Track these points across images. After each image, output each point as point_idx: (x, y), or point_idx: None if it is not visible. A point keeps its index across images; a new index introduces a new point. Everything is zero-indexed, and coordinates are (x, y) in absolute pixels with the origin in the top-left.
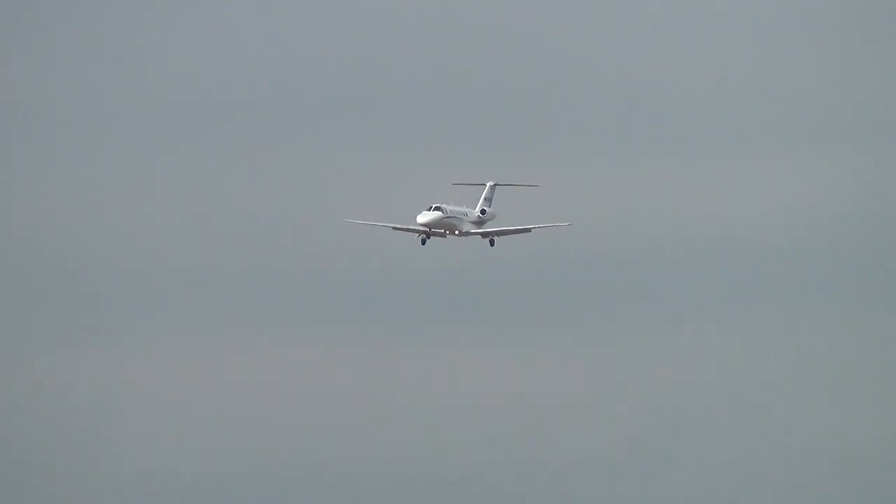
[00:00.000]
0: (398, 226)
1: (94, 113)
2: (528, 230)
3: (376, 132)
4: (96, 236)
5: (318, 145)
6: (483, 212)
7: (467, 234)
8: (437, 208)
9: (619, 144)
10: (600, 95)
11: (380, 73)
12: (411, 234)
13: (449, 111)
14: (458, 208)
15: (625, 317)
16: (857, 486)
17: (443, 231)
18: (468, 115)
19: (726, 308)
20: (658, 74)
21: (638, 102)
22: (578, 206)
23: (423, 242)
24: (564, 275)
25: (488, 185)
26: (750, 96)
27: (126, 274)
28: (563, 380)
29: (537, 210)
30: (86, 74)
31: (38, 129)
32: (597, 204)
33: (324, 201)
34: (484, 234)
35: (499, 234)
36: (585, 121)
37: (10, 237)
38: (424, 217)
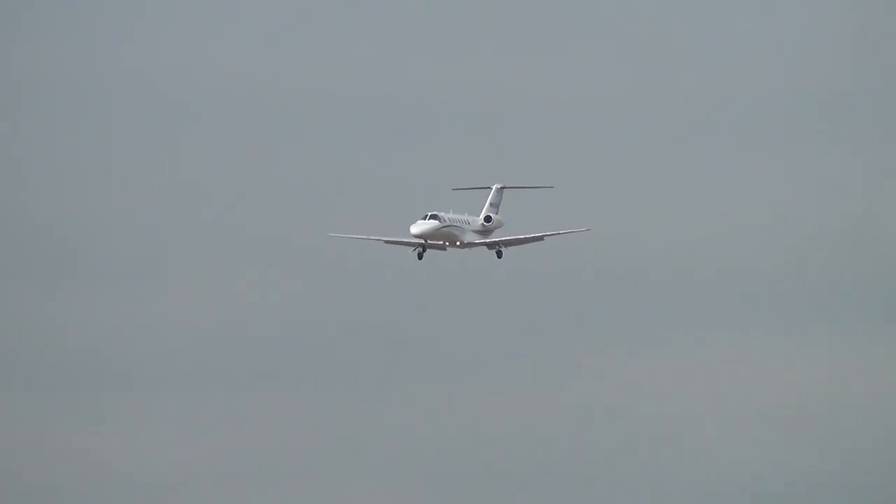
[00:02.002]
0: (390, 239)
1: (90, 113)
2: (541, 238)
3: (366, 133)
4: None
5: (306, 150)
6: (488, 219)
7: (470, 245)
8: (434, 216)
9: (641, 140)
10: (617, 88)
11: (376, 72)
12: (405, 247)
13: (449, 108)
14: (458, 216)
15: (650, 333)
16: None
17: (441, 243)
18: (469, 110)
19: (758, 318)
20: (686, 72)
21: (658, 95)
22: (598, 210)
23: (420, 257)
24: (583, 289)
25: (494, 188)
26: (782, 97)
27: (109, 276)
28: (579, 408)
29: (551, 215)
30: (84, 73)
31: (36, 127)
32: (619, 206)
33: (304, 212)
34: (490, 245)
35: (507, 243)
36: (602, 114)
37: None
38: (419, 227)
